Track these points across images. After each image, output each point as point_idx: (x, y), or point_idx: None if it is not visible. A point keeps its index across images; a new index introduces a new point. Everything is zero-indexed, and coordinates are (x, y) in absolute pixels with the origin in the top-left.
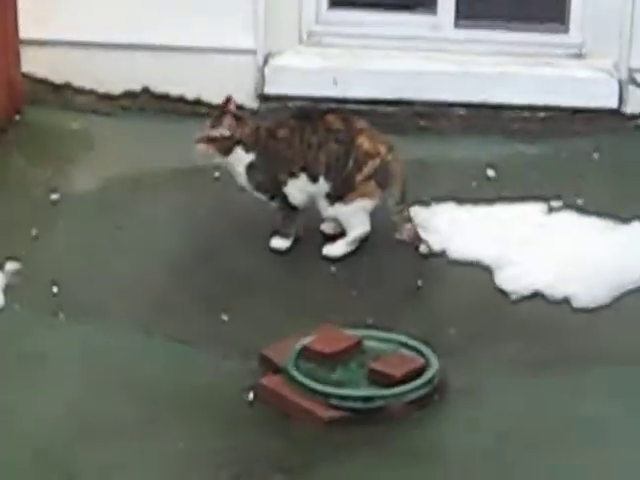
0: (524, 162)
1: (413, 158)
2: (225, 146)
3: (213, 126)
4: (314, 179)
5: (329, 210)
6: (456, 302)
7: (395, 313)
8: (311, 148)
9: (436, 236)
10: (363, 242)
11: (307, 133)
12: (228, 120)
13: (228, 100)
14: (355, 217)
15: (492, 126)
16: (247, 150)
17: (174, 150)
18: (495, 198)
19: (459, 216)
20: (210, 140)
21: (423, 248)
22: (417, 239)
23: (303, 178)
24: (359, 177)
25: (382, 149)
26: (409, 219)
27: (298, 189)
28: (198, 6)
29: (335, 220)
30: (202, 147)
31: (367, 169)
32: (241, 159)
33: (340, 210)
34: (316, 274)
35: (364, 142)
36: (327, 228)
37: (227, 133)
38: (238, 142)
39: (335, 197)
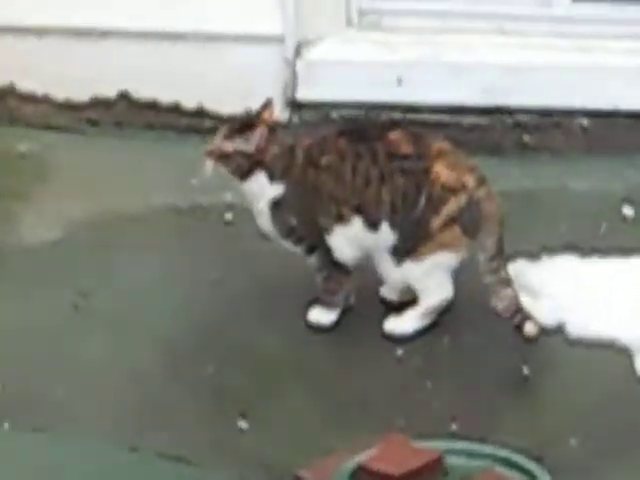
0: None
1: (514, 189)
2: (242, 166)
3: (230, 136)
4: (373, 226)
5: (395, 272)
6: (580, 399)
7: (490, 416)
8: (369, 182)
9: (549, 304)
10: (443, 314)
11: (363, 160)
12: (260, 132)
13: (266, 105)
14: (431, 278)
15: (630, 143)
16: (273, 178)
17: (165, 182)
18: (634, 247)
19: (583, 274)
20: (223, 156)
21: (529, 328)
22: (519, 312)
23: (357, 224)
24: (436, 221)
25: (469, 181)
26: (508, 282)
27: (349, 240)
28: None
29: (403, 283)
30: (211, 163)
31: (447, 209)
32: (264, 191)
33: (411, 270)
34: (375, 361)
35: (443, 171)
36: (390, 293)
37: (251, 149)
38: (260, 164)
39: (403, 251)
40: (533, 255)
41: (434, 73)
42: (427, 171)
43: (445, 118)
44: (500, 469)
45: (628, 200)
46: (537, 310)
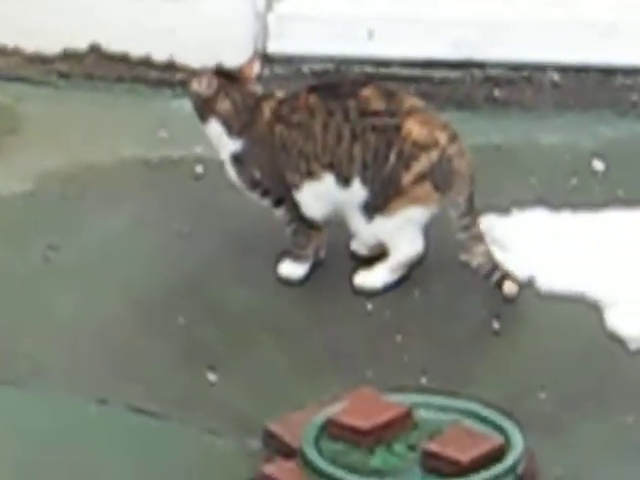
0: None
1: (485, 144)
2: (197, 107)
3: (210, 77)
4: (345, 182)
5: (367, 228)
6: (549, 354)
7: (460, 369)
8: (341, 139)
9: (519, 259)
10: (413, 268)
11: (335, 117)
12: (208, 79)
13: (251, 60)
14: (401, 233)
15: (599, 98)
16: (231, 133)
17: (136, 135)
18: (604, 202)
19: (552, 229)
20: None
21: (509, 287)
22: (496, 269)
23: (328, 180)
24: (407, 177)
25: (441, 138)
26: (481, 238)
27: (318, 196)
28: None
29: (375, 240)
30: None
31: (419, 166)
32: (222, 142)
33: (382, 226)
34: (345, 314)
35: (414, 128)
36: (360, 248)
37: (202, 92)
38: (213, 111)
39: (374, 208)
40: (503, 209)
41: (405, 27)
42: (398, 128)
43: (416, 72)
44: (470, 423)
45: (598, 155)
46: (507, 264)
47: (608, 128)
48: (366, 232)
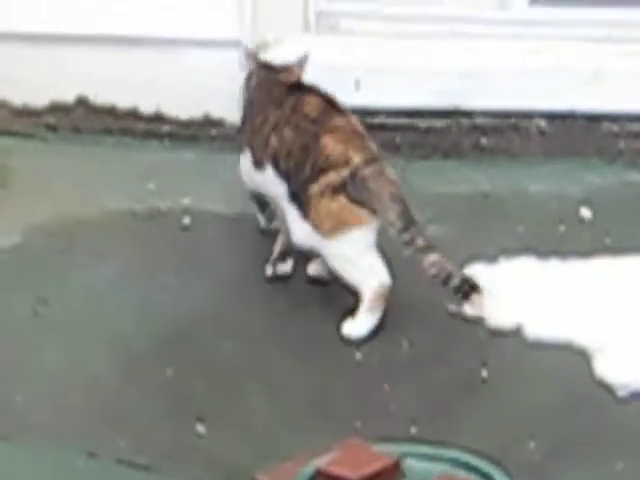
0: (633, 196)
1: (473, 192)
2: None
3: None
4: (258, 164)
5: (303, 227)
6: (538, 402)
7: (449, 419)
8: (265, 123)
9: (507, 307)
10: (401, 317)
11: (272, 104)
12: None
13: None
14: (355, 264)
15: (586, 145)
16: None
17: (123, 187)
18: (592, 249)
19: (540, 277)
20: None
21: (474, 300)
22: (452, 275)
23: (247, 157)
24: (314, 187)
25: (355, 158)
26: (428, 248)
27: (246, 168)
28: None
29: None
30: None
31: (325, 180)
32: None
33: (331, 256)
34: (334, 363)
35: (330, 144)
36: (317, 270)
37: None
38: None
39: (299, 202)
40: (491, 257)
41: (392, 76)
42: (317, 138)
43: (402, 121)
44: (459, 473)
45: (586, 202)
46: (495, 312)
47: (595, 175)
48: (302, 229)
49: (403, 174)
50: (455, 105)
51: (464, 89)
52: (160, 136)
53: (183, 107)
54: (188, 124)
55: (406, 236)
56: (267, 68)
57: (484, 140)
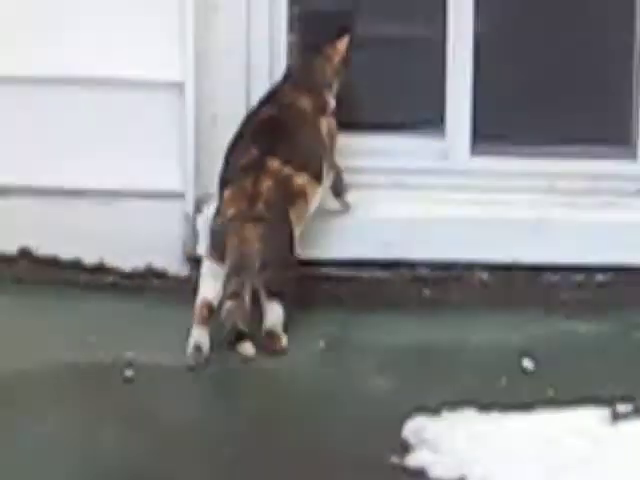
0: (575, 347)
1: (415, 344)
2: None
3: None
4: None
5: None
6: None
7: None
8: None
9: (450, 460)
10: (339, 463)
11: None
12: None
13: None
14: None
15: (528, 296)
16: None
17: (65, 339)
18: (534, 401)
19: (483, 429)
20: None
21: (246, 348)
22: (236, 327)
23: None
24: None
25: (228, 213)
26: (235, 295)
27: None
28: (96, 135)
29: None
30: None
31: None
32: None
33: None
34: None
35: (225, 193)
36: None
37: None
38: None
39: None
40: (434, 410)
41: (335, 227)
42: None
43: (346, 272)
44: None
45: (527, 353)
46: (438, 464)
47: (537, 326)
48: None
49: (346, 326)
50: (398, 256)
51: (407, 240)
52: (103, 287)
53: (126, 258)
54: (131, 275)
55: (228, 284)
56: None
57: (427, 291)
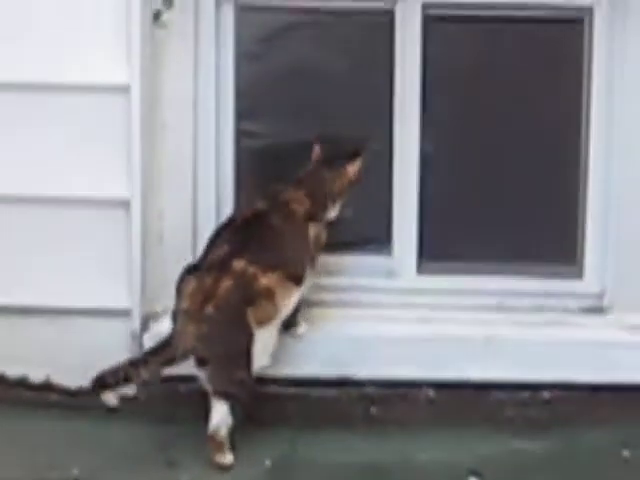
0: (522, 465)
1: (361, 463)
2: None
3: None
4: None
5: None
6: None
7: None
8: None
9: None
10: None
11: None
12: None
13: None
14: None
15: (475, 413)
16: None
17: (11, 458)
18: None
19: None
20: None
21: (109, 398)
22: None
23: None
24: None
25: (182, 304)
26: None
27: None
28: (42, 252)
29: None
30: None
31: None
32: None
33: None
34: None
35: (190, 284)
36: None
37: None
38: None
39: None
40: None
41: (282, 344)
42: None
43: (293, 390)
44: None
45: (474, 472)
46: None
47: (484, 444)
48: None
49: (294, 444)
50: (345, 374)
51: (354, 358)
52: (49, 405)
53: (72, 376)
54: (77, 393)
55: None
56: None
57: (373, 409)
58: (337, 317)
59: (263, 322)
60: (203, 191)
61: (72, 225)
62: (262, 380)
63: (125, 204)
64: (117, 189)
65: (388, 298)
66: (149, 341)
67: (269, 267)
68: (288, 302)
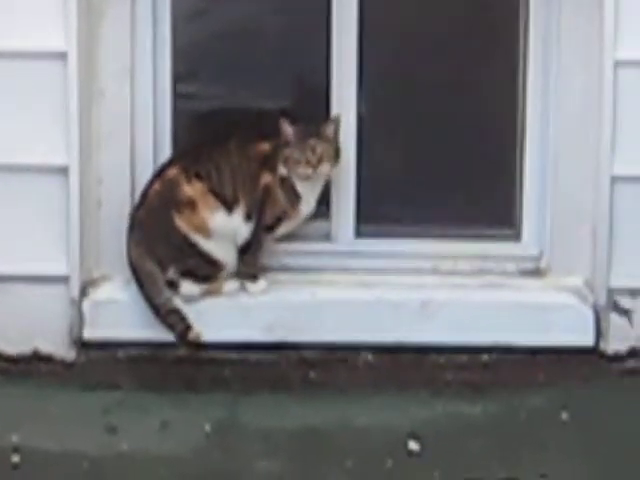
0: (462, 428)
1: (300, 427)
2: None
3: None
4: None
5: None
6: None
7: None
8: None
9: None
10: None
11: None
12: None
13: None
14: None
15: (414, 377)
16: None
17: None
18: None
19: None
20: None
21: None
22: None
23: None
24: None
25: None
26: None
27: None
28: None
29: None
30: None
31: None
32: None
33: None
34: None
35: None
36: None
37: None
38: None
39: None
40: None
41: (220, 311)
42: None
43: (232, 355)
44: None
45: (413, 435)
46: None
47: (423, 408)
48: None
49: (232, 409)
50: (283, 339)
51: (292, 322)
52: None
53: (12, 342)
54: (17, 360)
55: None
56: None
57: (312, 374)
58: (275, 281)
59: (200, 231)
60: (141, 157)
61: (10, 192)
62: (201, 345)
63: (63, 170)
64: (55, 155)
65: (326, 262)
66: (88, 307)
67: (196, 177)
68: (214, 223)
